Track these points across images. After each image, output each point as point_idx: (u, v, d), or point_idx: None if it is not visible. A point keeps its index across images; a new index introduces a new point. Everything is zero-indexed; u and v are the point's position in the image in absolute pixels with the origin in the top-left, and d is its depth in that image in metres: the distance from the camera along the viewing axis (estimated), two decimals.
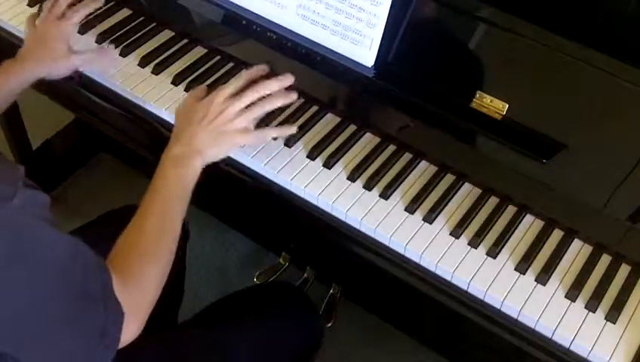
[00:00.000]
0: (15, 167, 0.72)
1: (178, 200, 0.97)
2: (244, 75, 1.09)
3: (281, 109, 1.19)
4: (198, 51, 1.30)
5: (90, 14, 1.28)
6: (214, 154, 1.01)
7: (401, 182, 1.10)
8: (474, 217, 1.06)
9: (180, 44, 1.31)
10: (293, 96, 1.09)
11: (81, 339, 0.77)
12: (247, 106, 1.04)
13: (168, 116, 1.19)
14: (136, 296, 0.85)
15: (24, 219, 0.70)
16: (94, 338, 0.77)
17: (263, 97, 1.06)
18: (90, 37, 1.29)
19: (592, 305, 0.97)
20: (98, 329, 0.78)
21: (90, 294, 0.78)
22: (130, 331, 0.82)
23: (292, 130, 1.10)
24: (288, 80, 1.08)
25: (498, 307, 0.98)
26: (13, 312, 0.70)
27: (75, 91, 1.28)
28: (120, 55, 1.28)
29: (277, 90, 1.07)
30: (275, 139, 1.13)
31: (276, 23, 1.20)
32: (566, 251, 1.03)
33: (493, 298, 0.98)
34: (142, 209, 0.95)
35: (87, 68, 1.23)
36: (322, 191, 1.08)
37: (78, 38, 1.28)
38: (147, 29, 1.33)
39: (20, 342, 0.72)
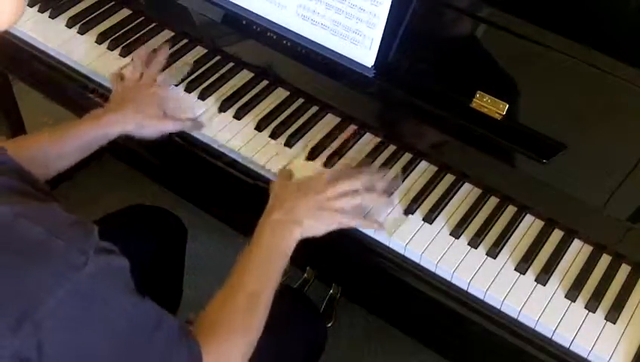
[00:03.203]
0: (88, 230, 0.72)
1: (273, 268, 0.96)
2: (348, 168, 1.09)
3: (281, 109, 1.20)
4: (198, 51, 1.30)
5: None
6: (314, 227, 1.00)
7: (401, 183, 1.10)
8: (474, 217, 1.06)
9: (180, 44, 1.31)
10: (395, 200, 1.08)
11: None
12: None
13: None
14: None
15: (95, 286, 0.70)
16: None
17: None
18: (199, 100, 1.22)
19: (592, 305, 0.97)
20: None
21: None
22: None
23: (382, 227, 1.05)
24: (396, 185, 1.08)
25: (498, 307, 0.98)
26: None
27: (77, 92, 1.28)
28: (119, 55, 1.28)
29: (381, 188, 1.05)
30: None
31: (276, 23, 1.20)
32: (566, 251, 1.03)
33: (493, 298, 0.98)
34: (236, 274, 0.93)
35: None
36: None
37: (187, 100, 1.22)
38: (147, 29, 1.33)
39: None
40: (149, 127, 1.13)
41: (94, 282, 0.70)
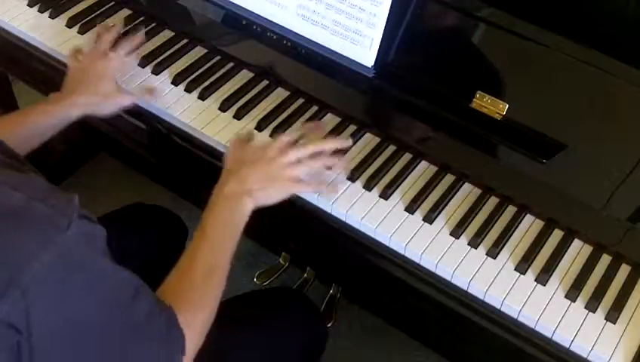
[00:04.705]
0: (69, 198, 0.73)
1: (227, 240, 0.96)
2: (303, 128, 1.10)
3: (281, 109, 1.20)
4: (198, 51, 1.30)
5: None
6: (266, 197, 1.00)
7: (401, 182, 1.10)
8: (474, 217, 1.06)
9: (180, 44, 1.31)
10: (345, 164, 1.08)
11: None
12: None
13: (168, 116, 1.19)
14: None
15: (79, 250, 0.71)
16: None
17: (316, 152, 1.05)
18: (148, 70, 1.25)
19: (592, 305, 0.97)
20: None
21: (151, 328, 0.79)
22: None
23: (335, 191, 1.07)
24: (347, 143, 1.09)
25: (498, 307, 0.98)
26: (69, 337, 0.73)
27: None
28: None
29: (332, 149, 1.06)
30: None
31: (276, 23, 1.20)
32: (566, 251, 1.03)
33: (493, 298, 0.98)
34: (191, 248, 0.94)
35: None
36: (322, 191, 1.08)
37: (137, 71, 1.25)
38: (147, 29, 1.33)
39: None
40: (107, 105, 1.15)
41: (77, 245, 0.71)
